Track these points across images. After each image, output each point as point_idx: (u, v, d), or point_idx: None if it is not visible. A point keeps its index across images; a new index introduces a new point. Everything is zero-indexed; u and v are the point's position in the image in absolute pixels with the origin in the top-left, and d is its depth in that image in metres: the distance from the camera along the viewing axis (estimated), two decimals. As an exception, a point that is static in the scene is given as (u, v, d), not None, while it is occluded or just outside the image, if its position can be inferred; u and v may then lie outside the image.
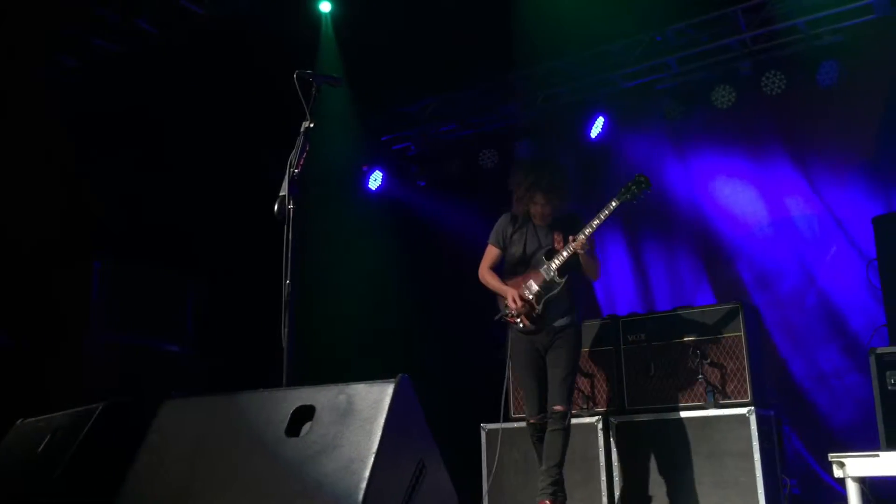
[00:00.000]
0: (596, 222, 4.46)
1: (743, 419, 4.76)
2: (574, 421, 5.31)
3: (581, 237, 4.46)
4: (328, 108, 6.55)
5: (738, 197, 6.71)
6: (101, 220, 6.26)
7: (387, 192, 8.27)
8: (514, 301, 4.58)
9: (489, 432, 5.66)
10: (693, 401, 5.12)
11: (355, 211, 7.83)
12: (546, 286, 4.57)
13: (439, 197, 8.08)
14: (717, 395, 5.00)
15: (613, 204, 4.46)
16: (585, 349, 5.58)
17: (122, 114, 6.49)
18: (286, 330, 3.01)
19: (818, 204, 6.42)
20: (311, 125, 3.31)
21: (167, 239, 6.51)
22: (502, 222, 4.85)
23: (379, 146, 8.23)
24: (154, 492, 2.67)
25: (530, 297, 4.59)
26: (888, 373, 4.95)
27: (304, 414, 2.55)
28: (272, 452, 2.51)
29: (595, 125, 7.15)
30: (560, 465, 4.49)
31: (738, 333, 5.09)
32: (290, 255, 3.12)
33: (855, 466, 4.04)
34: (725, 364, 5.06)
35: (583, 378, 5.49)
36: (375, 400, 2.45)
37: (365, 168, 8.23)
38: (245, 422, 2.65)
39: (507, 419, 5.77)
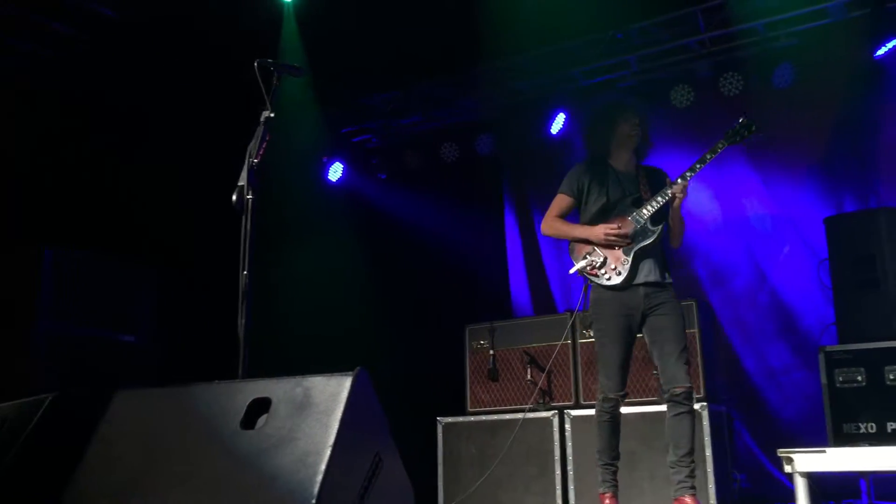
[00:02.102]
0: (699, 165, 4.01)
1: (696, 415, 4.84)
2: (530, 415, 5.36)
3: (681, 181, 3.99)
4: (289, 97, 6.50)
5: (695, 195, 6.80)
6: (55, 209, 6.13)
7: (347, 184, 8.23)
8: (608, 232, 3.99)
9: (445, 426, 5.67)
10: (648, 396, 5.19)
11: (315, 202, 7.77)
12: (637, 234, 4.02)
13: (400, 190, 8.07)
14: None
15: (720, 146, 4.05)
16: (543, 344, 5.63)
17: (79, 100, 6.36)
18: (243, 321, 2.97)
19: (772, 204, 6.54)
20: (272, 115, 3.27)
21: (126, 229, 6.40)
22: (577, 170, 4.27)
23: (340, 138, 8.19)
24: (104, 485, 2.63)
25: (628, 235, 4.01)
26: (836, 370, 5.08)
27: (260, 406, 2.53)
28: (227, 445, 2.49)
29: (556, 121, 7.20)
30: (692, 452, 3.90)
31: (692, 330, 5.17)
32: (247, 245, 3.09)
33: (803, 462, 4.14)
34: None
35: (539, 372, 5.53)
36: (333, 393, 2.44)
37: (325, 159, 8.18)
38: (199, 414, 2.62)
39: (464, 412, 5.80)
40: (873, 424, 4.88)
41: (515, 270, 7.61)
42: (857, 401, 4.97)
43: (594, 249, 4.04)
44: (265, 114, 3.27)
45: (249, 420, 2.51)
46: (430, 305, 7.45)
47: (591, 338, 5.42)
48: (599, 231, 4.02)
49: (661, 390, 4.03)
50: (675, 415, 3.90)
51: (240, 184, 3.17)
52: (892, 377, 4.89)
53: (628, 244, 3.99)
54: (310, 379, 2.52)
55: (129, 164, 6.53)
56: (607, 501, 4.05)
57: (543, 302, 7.34)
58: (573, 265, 4.14)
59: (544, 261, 7.48)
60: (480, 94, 7.53)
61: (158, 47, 6.35)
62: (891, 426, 4.81)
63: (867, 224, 5.39)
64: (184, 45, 6.30)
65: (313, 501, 2.20)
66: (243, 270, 3.05)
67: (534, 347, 5.62)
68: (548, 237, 4.42)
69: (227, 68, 5.09)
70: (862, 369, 4.99)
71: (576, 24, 6.46)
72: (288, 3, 6.49)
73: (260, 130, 3.25)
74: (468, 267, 7.54)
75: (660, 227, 4.01)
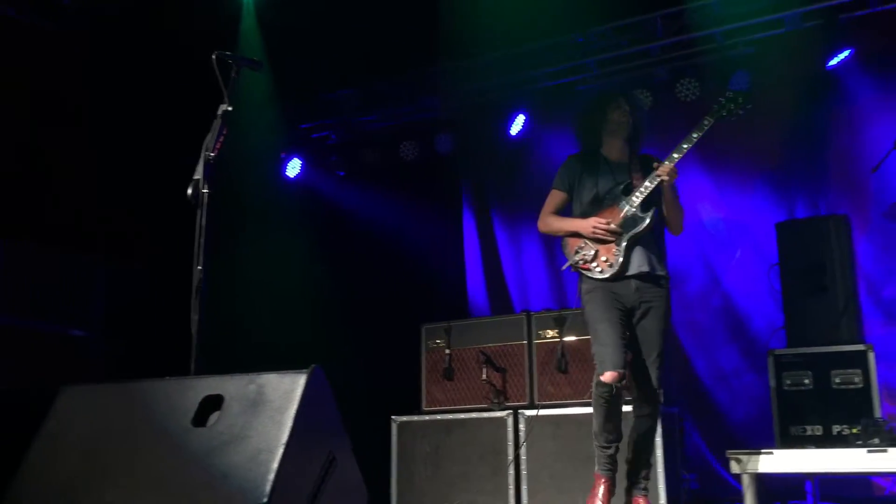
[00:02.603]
0: (686, 145, 3.88)
1: (648, 415, 4.89)
2: (485, 415, 5.37)
3: (667, 163, 3.85)
4: (248, 92, 6.43)
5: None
6: (1, 200, 5.98)
7: (305, 180, 8.17)
8: (596, 226, 3.91)
9: (400, 424, 5.66)
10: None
11: (272, 198, 7.70)
12: (627, 223, 3.92)
13: (358, 187, 8.04)
14: (624, 392, 5.13)
15: (706, 122, 3.92)
16: (499, 344, 5.64)
17: (35, 89, 6.21)
18: (196, 317, 2.93)
19: (726, 209, 6.65)
20: (230, 108, 3.23)
21: (77, 221, 6.26)
22: (568, 163, 4.22)
23: (298, 133, 8.12)
24: (49, 483, 2.57)
25: (618, 227, 3.92)
26: (784, 373, 5.19)
27: (212, 403, 2.49)
28: (177, 443, 2.45)
29: (515, 122, 7.22)
30: (652, 454, 4.07)
31: (646, 332, 5.22)
32: (202, 240, 3.04)
33: (751, 463, 4.22)
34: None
35: (494, 372, 5.54)
36: (287, 390, 2.42)
37: (283, 155, 8.11)
38: (149, 410, 2.58)
39: (419, 411, 5.79)
40: (819, 427, 4.98)
41: (473, 270, 7.63)
42: (804, 403, 5.07)
43: (586, 243, 3.96)
44: (223, 107, 3.22)
45: (201, 417, 2.48)
46: (386, 304, 7.42)
47: (548, 338, 5.46)
48: (589, 224, 3.95)
49: (631, 390, 4.00)
50: (641, 416, 3.97)
51: (195, 177, 3.13)
52: (837, 381, 5.00)
53: (618, 236, 3.90)
54: (264, 376, 2.50)
55: (82, 156, 6.40)
56: (601, 484, 3.87)
57: (500, 302, 7.37)
58: (565, 261, 4.07)
59: (502, 261, 7.51)
60: (441, 93, 7.53)
61: (112, 36, 6.23)
62: (836, 429, 4.92)
63: (817, 230, 5.51)
64: (139, 36, 6.19)
65: (265, 500, 2.18)
66: (197, 265, 3.01)
67: (490, 347, 5.63)
68: (544, 233, 4.31)
69: (185, 60, 5.01)
70: (809, 373, 5.10)
71: (537, 27, 6.50)
72: (248, -2, 6.43)
73: (217, 124, 3.20)
74: (426, 266, 7.54)
75: (650, 213, 3.89)
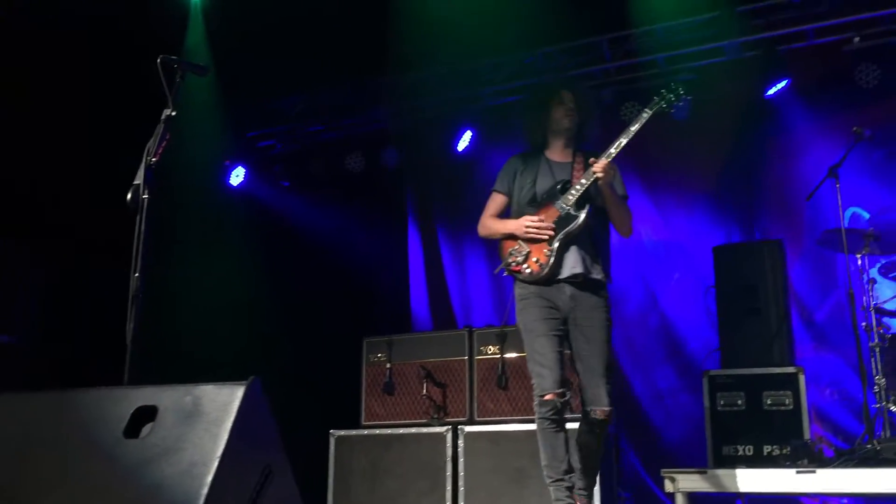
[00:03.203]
0: (624, 140, 3.68)
1: (585, 433, 4.93)
2: (424, 430, 5.36)
3: (603, 159, 3.63)
4: (192, 97, 6.33)
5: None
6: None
7: (249, 189, 8.07)
8: (528, 224, 3.69)
9: (338, 439, 5.60)
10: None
11: (215, 206, 7.59)
12: (561, 221, 3.68)
13: (303, 198, 7.97)
14: (568, 409, 5.16)
15: (645, 114, 3.73)
16: (440, 359, 5.63)
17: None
18: (131, 325, 2.87)
19: (665, 230, 6.77)
20: (173, 113, 3.18)
21: (9, 225, 6.07)
22: (508, 164, 4.00)
23: (243, 142, 8.03)
24: (-29, 493, 2.47)
25: (551, 225, 3.69)
26: (718, 394, 5.29)
27: (146, 414, 2.43)
28: (108, 454, 2.38)
29: (463, 138, 7.25)
30: (598, 467, 3.81)
31: (585, 350, 5.27)
32: (140, 247, 2.98)
33: (684, 482, 4.29)
34: (572, 379, 5.24)
35: (435, 388, 5.54)
36: (224, 402, 2.37)
37: (227, 163, 8.00)
38: (80, 421, 2.50)
39: (358, 426, 5.75)
40: (751, 447, 5.09)
41: (416, 284, 7.62)
42: (737, 424, 5.18)
43: (520, 244, 3.74)
44: (166, 112, 3.17)
45: (133, 428, 2.41)
46: (328, 316, 7.36)
47: (489, 354, 5.48)
48: (521, 223, 3.73)
49: (581, 408, 3.76)
50: (591, 433, 3.69)
51: (136, 182, 3.07)
52: (769, 402, 5.12)
53: (552, 233, 3.65)
54: (200, 387, 2.44)
55: (12, 156, 6.22)
56: None
57: (443, 317, 7.37)
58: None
59: (446, 276, 7.52)
60: (389, 105, 7.53)
61: (56, 38, 6.09)
62: (767, 449, 5.03)
63: (752, 255, 5.66)
64: (84, 36, 6.06)
65: (198, 514, 2.13)
66: (134, 272, 2.94)
67: (431, 362, 5.62)
68: (484, 237, 4.07)
69: (130, 64, 4.92)
70: (742, 394, 5.21)
71: (487, 45, 6.55)
72: (196, 2, 6.33)
73: (160, 129, 3.15)
74: (369, 279, 7.51)
75: (584, 211, 3.64)
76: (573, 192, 3.68)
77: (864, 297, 4.70)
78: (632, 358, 6.67)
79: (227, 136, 7.69)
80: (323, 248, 7.58)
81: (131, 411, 2.44)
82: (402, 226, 7.78)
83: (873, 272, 5.05)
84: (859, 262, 4.84)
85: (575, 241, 3.67)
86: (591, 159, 3.69)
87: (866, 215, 5.88)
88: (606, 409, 3.59)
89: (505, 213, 3.95)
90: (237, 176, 7.98)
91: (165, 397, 2.45)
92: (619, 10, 6.16)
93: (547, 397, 3.56)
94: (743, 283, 5.55)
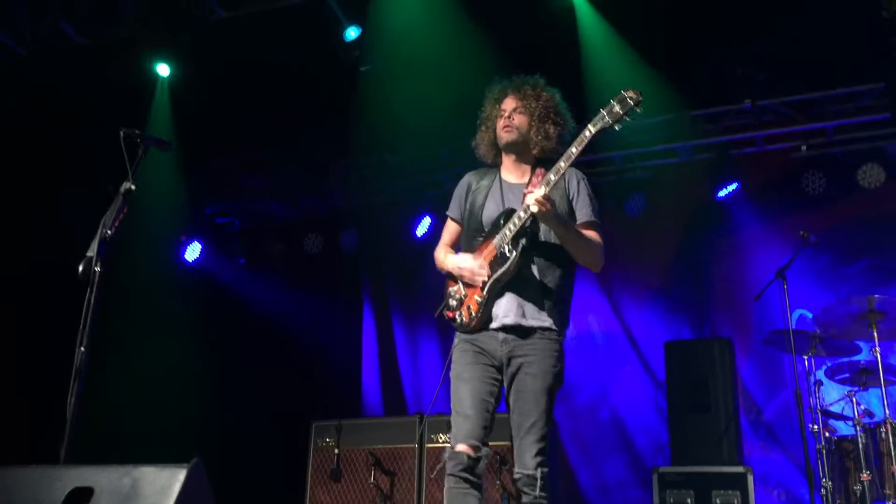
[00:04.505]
0: (563, 163, 2.98)
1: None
2: (369, 519, 5.20)
3: (540, 188, 2.97)
4: (152, 170, 6.32)
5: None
6: None
7: (204, 265, 7.98)
8: (461, 266, 3.16)
9: (280, 526, 5.43)
10: (488, 506, 5.17)
11: (167, 281, 7.47)
12: (496, 261, 3.09)
13: (259, 276, 7.91)
14: (512, 501, 5.08)
15: (588, 133, 2.99)
16: (390, 446, 5.53)
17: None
18: (72, 401, 2.77)
19: (617, 324, 6.84)
20: (133, 187, 3.14)
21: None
22: (460, 183, 3.43)
23: (201, 217, 8.00)
24: None
25: (483, 268, 3.12)
26: (668, 491, 5.27)
27: (81, 496, 2.33)
28: (37, 537, 2.27)
29: (421, 224, 7.31)
30: None
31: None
32: (89, 319, 2.91)
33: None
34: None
35: (383, 476, 5.42)
36: (164, 486, 2.29)
37: (184, 238, 7.93)
38: (11, 502, 2.39)
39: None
40: (699, 546, 5.04)
41: (369, 368, 7.54)
42: (686, 522, 5.14)
43: (458, 285, 3.21)
44: (126, 185, 3.12)
45: (67, 511, 2.31)
46: (278, 398, 7.22)
47: (441, 443, 5.39)
48: (456, 263, 3.21)
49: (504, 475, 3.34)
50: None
51: (89, 254, 3.01)
52: (718, 501, 5.11)
53: (485, 278, 3.09)
54: (140, 469, 2.36)
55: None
56: None
57: (395, 402, 7.28)
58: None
59: (399, 361, 7.46)
60: (348, 187, 7.59)
61: (20, 105, 6.08)
62: (714, 549, 4.99)
63: (702, 351, 5.74)
64: (49, 107, 6.06)
65: None
66: (80, 346, 2.86)
67: (380, 449, 5.52)
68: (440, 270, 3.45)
69: (93, 133, 4.91)
70: (692, 491, 5.19)
71: (447, 132, 6.68)
72: (163, 77, 6.39)
73: (118, 202, 3.10)
74: (322, 361, 7.41)
75: (517, 251, 3.02)
76: (510, 226, 3.06)
77: (811, 399, 4.77)
78: (580, 451, 6.62)
79: (185, 210, 7.65)
80: (276, 328, 7.49)
81: (66, 492, 2.34)
82: (358, 308, 7.74)
83: (819, 374, 5.13)
84: (806, 363, 4.92)
85: (511, 286, 3.07)
86: (527, 189, 3.10)
87: (812, 317, 6.01)
88: (527, 471, 2.93)
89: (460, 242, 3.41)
90: (193, 251, 7.92)
91: (102, 478, 2.35)
92: (578, 107, 6.35)
93: (457, 448, 2.98)
94: (693, 380, 5.61)
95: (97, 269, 2.96)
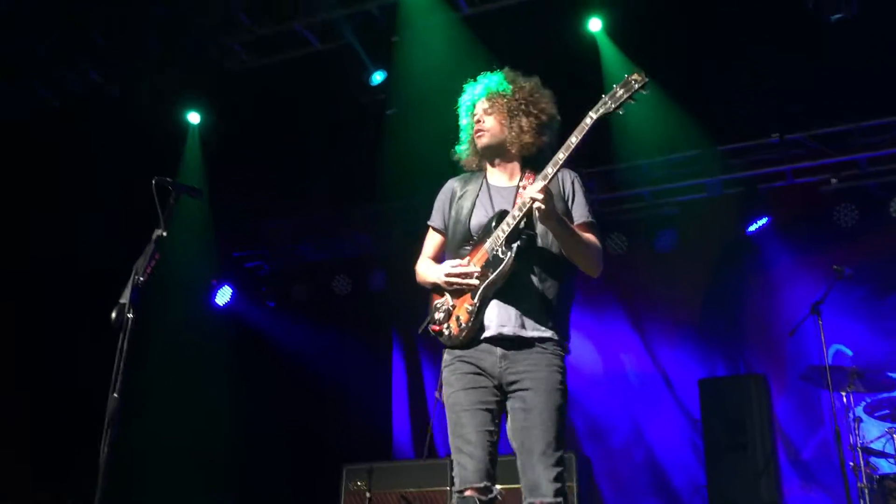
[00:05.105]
0: (561, 154, 2.70)
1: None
2: (402, 564, 5.13)
3: (537, 181, 2.70)
4: (182, 215, 6.40)
5: (576, 348, 6.92)
6: None
7: (234, 308, 8.03)
8: (449, 272, 2.84)
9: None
10: None
11: (199, 325, 7.51)
12: (489, 265, 2.78)
13: (288, 319, 7.93)
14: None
15: (588, 120, 2.72)
16: (421, 489, 5.47)
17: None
18: (106, 449, 2.76)
19: (650, 362, 6.75)
20: (164, 234, 3.17)
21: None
22: (446, 188, 3.16)
23: (231, 262, 8.06)
24: None
25: (474, 272, 2.80)
26: (707, 533, 5.13)
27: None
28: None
29: (449, 264, 7.27)
30: None
31: (570, 483, 5.15)
32: (122, 366, 2.91)
33: None
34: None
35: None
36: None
37: (214, 282, 8.00)
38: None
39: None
40: (740, 590, 4.90)
41: (399, 411, 7.49)
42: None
43: (445, 297, 2.90)
44: (158, 232, 3.15)
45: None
46: (309, 440, 7.19)
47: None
48: (441, 271, 2.89)
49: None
50: None
51: (121, 301, 3.03)
52: (758, 543, 4.97)
53: (477, 283, 2.78)
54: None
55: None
56: None
57: (425, 445, 7.21)
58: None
59: (428, 403, 7.41)
60: (375, 230, 7.62)
61: (53, 151, 6.21)
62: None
63: (738, 389, 5.63)
64: (83, 154, 6.18)
65: None
66: (113, 392, 2.86)
67: (412, 492, 5.46)
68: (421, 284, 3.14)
69: (125, 181, 5.00)
70: (731, 533, 5.06)
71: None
72: (194, 125, 6.50)
73: (150, 248, 3.13)
74: (352, 403, 7.38)
75: (512, 252, 2.72)
76: (504, 227, 2.77)
77: (851, 436, 4.65)
78: (617, 492, 6.50)
79: (215, 254, 7.72)
80: (306, 370, 7.49)
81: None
82: (387, 349, 7.72)
83: (859, 410, 5.01)
84: (844, 399, 4.81)
85: (506, 293, 2.77)
86: (522, 182, 2.86)
87: (850, 353, 5.89)
88: (548, 500, 2.59)
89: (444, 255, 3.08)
90: (223, 295, 7.97)
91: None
92: (605, 146, 6.36)
93: (466, 493, 2.65)
94: (729, 418, 5.50)
95: (130, 315, 2.98)
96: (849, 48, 5.14)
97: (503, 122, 2.93)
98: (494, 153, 2.98)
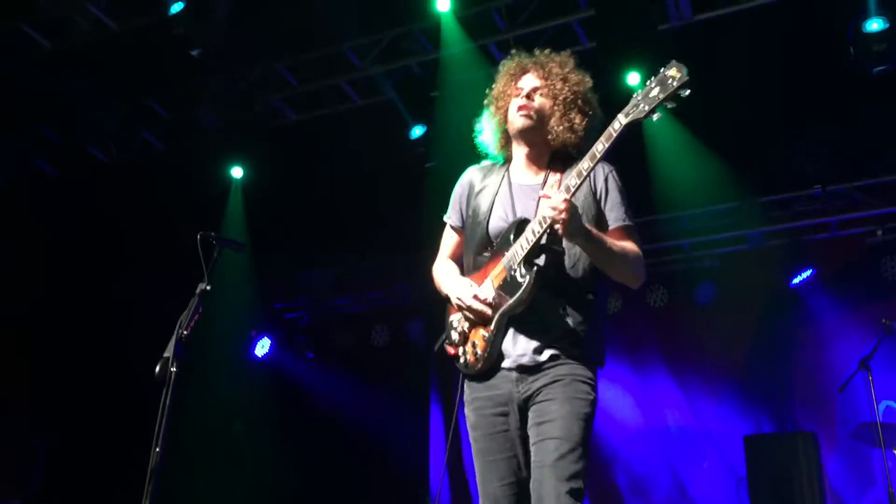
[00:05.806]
0: (587, 164, 2.36)
1: None
2: None
3: (559, 194, 2.33)
4: (224, 268, 6.47)
5: (617, 402, 6.84)
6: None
7: (273, 359, 8.06)
8: (460, 297, 2.54)
9: None
10: None
11: (238, 377, 7.55)
12: (506, 287, 2.48)
13: (327, 370, 7.93)
14: None
15: (617, 124, 2.35)
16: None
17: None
18: (147, 502, 2.77)
19: (692, 417, 6.62)
20: (208, 288, 3.21)
21: (22, 391, 6.11)
22: (464, 179, 2.79)
23: (271, 313, 8.12)
24: None
25: (489, 300, 2.50)
26: None
27: None
28: None
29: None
30: None
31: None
32: (164, 420, 2.93)
33: None
34: None
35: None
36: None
37: (254, 333, 8.05)
38: None
39: None
40: None
41: (436, 463, 7.41)
42: None
43: (460, 313, 2.63)
44: (201, 286, 3.19)
45: None
46: (346, 494, 7.13)
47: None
48: (454, 292, 2.60)
49: None
50: None
51: (165, 355, 3.06)
52: None
53: (489, 312, 2.49)
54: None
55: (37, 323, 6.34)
56: None
57: (462, 498, 7.11)
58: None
59: (464, 456, 7.32)
60: (415, 280, 7.63)
61: (101, 207, 6.36)
62: None
63: (786, 446, 5.49)
64: (130, 208, 6.33)
65: None
66: (156, 447, 2.87)
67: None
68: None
69: (170, 235, 5.10)
70: None
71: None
72: (237, 179, 6.61)
73: (193, 302, 3.16)
74: (389, 456, 7.32)
75: (531, 275, 2.39)
76: (523, 242, 2.43)
77: (905, 497, 4.49)
78: (659, 552, 6.34)
79: (255, 306, 7.79)
80: (343, 423, 7.46)
81: None
82: (425, 401, 7.67)
83: (912, 469, 4.84)
84: (897, 458, 4.66)
85: (527, 317, 2.45)
86: (542, 193, 2.41)
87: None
88: None
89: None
90: (262, 347, 8.01)
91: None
92: (645, 197, 6.34)
93: None
94: (776, 475, 5.35)
95: (173, 369, 3.01)
96: (891, 99, 5.10)
97: (555, 109, 2.55)
98: (530, 139, 2.60)
